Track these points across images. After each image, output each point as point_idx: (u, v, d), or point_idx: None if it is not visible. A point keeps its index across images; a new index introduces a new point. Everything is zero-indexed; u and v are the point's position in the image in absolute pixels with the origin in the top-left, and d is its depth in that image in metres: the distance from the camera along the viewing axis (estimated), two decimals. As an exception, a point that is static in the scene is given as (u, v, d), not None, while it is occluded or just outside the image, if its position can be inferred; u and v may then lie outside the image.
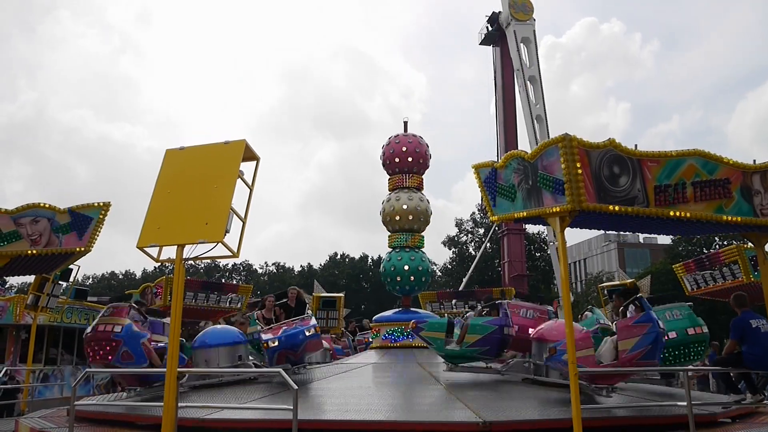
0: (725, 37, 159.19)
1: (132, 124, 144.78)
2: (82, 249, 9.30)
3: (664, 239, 66.04)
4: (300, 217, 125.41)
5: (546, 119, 49.73)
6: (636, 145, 6.65)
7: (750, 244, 8.09)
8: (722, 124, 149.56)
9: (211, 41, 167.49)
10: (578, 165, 6.20)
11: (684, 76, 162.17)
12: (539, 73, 50.91)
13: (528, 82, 50.33)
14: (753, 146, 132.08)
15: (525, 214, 7.04)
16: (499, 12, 53.28)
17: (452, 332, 10.11)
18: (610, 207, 6.35)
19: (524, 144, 50.42)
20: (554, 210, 6.45)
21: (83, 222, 9.26)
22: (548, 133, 48.39)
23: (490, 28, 55.09)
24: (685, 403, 6.65)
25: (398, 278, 15.29)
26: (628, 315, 8.34)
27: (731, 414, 8.53)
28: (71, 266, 15.19)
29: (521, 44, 51.15)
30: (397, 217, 15.35)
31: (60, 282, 15.92)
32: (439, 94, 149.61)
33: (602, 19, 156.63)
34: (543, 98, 50.41)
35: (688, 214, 6.63)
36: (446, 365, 9.92)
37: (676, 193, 6.62)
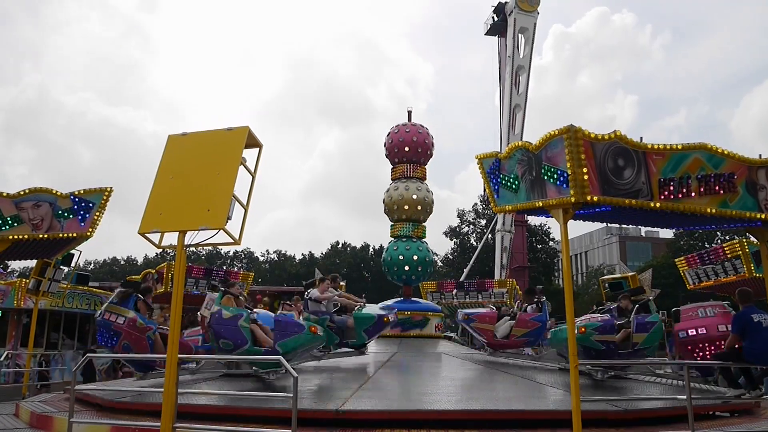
0: (735, 32, 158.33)
1: (136, 109, 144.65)
2: (84, 234, 9.29)
3: (666, 233, 66.09)
4: (302, 205, 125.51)
5: (525, 110, 50.00)
6: (641, 138, 6.60)
7: (753, 238, 8.04)
8: (728, 119, 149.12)
9: (217, 27, 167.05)
10: (583, 157, 6.16)
11: (693, 70, 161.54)
12: (529, 64, 51.07)
13: (516, 71, 50.45)
14: (756, 142, 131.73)
15: (528, 205, 7.00)
16: (506, 2, 53.08)
17: None
18: (615, 199, 6.32)
19: (527, 135, 50.44)
20: (558, 202, 6.42)
21: (85, 207, 9.25)
22: (524, 123, 49.06)
23: (495, 19, 54.85)
24: (684, 396, 6.64)
25: (400, 268, 15.30)
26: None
27: (730, 408, 8.54)
28: (73, 251, 15.18)
29: (519, 33, 51.19)
30: (398, 207, 15.35)
31: (62, 267, 15.91)
32: (445, 83, 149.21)
33: (614, 9, 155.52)
34: (527, 89, 50.66)
35: (692, 208, 6.59)
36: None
37: (680, 186, 6.58)
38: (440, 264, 64.25)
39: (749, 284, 12.45)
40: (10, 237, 8.91)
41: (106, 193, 9.46)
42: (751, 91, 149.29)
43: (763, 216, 7.00)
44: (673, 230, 45.74)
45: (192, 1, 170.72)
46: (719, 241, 44.19)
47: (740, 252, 14.41)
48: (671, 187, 6.53)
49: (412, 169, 15.59)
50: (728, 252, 14.89)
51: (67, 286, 18.55)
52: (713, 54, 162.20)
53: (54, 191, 9.29)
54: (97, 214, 9.34)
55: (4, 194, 9.05)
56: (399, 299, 15.54)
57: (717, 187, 6.71)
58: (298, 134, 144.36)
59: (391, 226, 15.77)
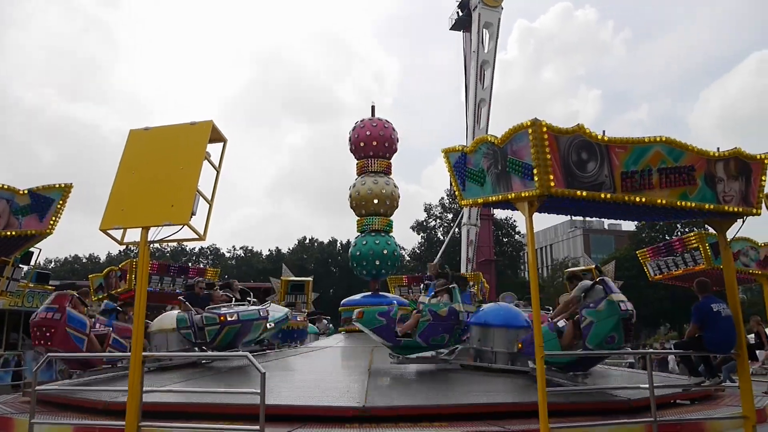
0: (694, 28, 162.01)
1: (98, 105, 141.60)
2: (44, 231, 9.07)
3: (629, 226, 67.43)
4: (269, 201, 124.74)
5: (490, 104, 50.59)
6: (604, 132, 6.70)
7: (711, 230, 8.23)
8: (687, 113, 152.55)
9: (182, 22, 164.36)
10: (547, 150, 6.22)
11: (654, 65, 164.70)
12: (494, 59, 51.63)
13: (480, 66, 50.93)
14: (715, 136, 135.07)
15: (494, 198, 7.05)
16: (471, -3, 53.40)
17: None
18: (578, 192, 6.40)
19: (492, 129, 50.95)
20: (523, 195, 6.48)
21: (44, 204, 9.03)
22: (489, 117, 49.69)
23: (460, 14, 55.16)
24: (647, 386, 6.78)
25: (366, 262, 15.30)
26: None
27: (691, 396, 8.76)
28: (32, 249, 14.83)
29: (483, 29, 51.62)
30: (364, 202, 15.34)
31: (21, 265, 15.53)
32: (411, 79, 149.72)
33: (576, 5, 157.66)
34: (492, 84, 51.31)
35: (653, 200, 6.71)
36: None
37: (642, 179, 6.69)
38: (408, 258, 64.50)
39: (708, 275, 12.77)
40: (-34, 235, 8.64)
41: (66, 190, 9.25)
42: (709, 86, 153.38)
43: (721, 208, 7.16)
44: (635, 223, 46.71)
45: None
46: (680, 233, 45.24)
47: (699, 243, 14.76)
48: (633, 180, 6.64)
49: (377, 164, 15.59)
50: (687, 243, 15.23)
51: (27, 285, 18.12)
52: (673, 49, 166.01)
53: (11, 188, 9.04)
54: (58, 210, 9.12)
55: (-42, 191, 8.78)
56: (366, 294, 15.55)
57: (677, 180, 6.85)
58: (264, 130, 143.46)
59: (357, 220, 15.75)
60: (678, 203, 6.84)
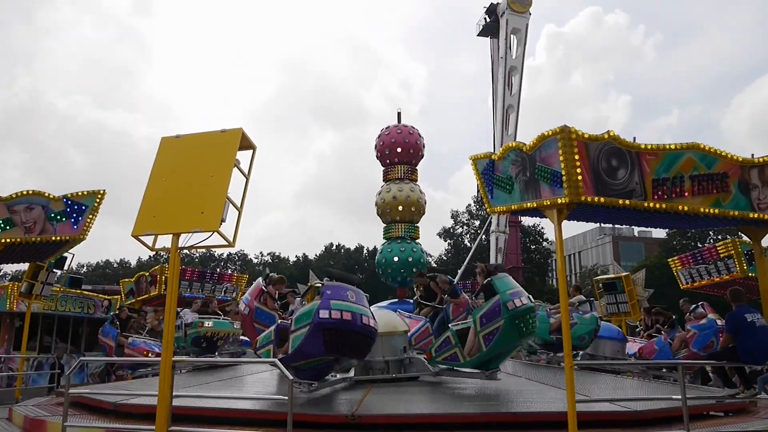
0: (726, 32, 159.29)
1: (129, 112, 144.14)
2: (77, 237, 9.24)
3: (659, 233, 66.38)
4: (296, 207, 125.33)
5: (518, 111, 50.24)
6: (634, 138, 6.62)
7: (746, 238, 8.07)
8: (720, 119, 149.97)
9: (211, 31, 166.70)
10: (576, 157, 6.17)
11: (685, 70, 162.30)
12: (522, 65, 51.29)
13: (508, 72, 50.70)
14: (748, 141, 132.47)
15: (522, 206, 7.01)
16: (498, 3, 53.25)
17: None
18: (608, 200, 6.33)
19: (521, 136, 50.65)
20: (552, 202, 6.43)
21: (78, 210, 9.20)
22: (517, 124, 49.38)
23: (487, 20, 54.99)
24: (679, 397, 6.65)
25: (391, 269, 15.31)
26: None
27: (725, 408, 8.57)
28: (66, 254, 15.11)
29: (511, 34, 51.39)
30: (389, 209, 15.37)
31: (54, 270, 15.83)
32: (438, 85, 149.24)
33: (607, 9, 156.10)
34: (520, 90, 50.92)
35: (685, 208, 6.61)
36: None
37: (674, 186, 6.60)
38: (434, 265, 64.28)
39: (742, 284, 12.51)
40: (3, 240, 8.84)
41: (99, 196, 9.41)
42: (743, 91, 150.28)
43: (755, 215, 7.02)
44: (666, 230, 45.98)
45: (186, 5, 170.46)
46: (712, 241, 44.40)
47: (733, 251, 14.49)
48: (665, 187, 6.55)
49: (404, 171, 15.58)
50: (721, 251, 14.96)
51: (60, 289, 18.46)
52: (705, 54, 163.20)
53: (47, 194, 9.23)
54: (90, 216, 9.29)
55: (-3, 197, 9.00)
56: (393, 300, 15.54)
57: (710, 187, 6.74)
58: (291, 137, 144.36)
59: (384, 227, 15.76)
60: (711, 211, 6.73)
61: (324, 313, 6.86)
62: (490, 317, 7.70)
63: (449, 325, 8.76)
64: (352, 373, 8.78)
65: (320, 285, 8.29)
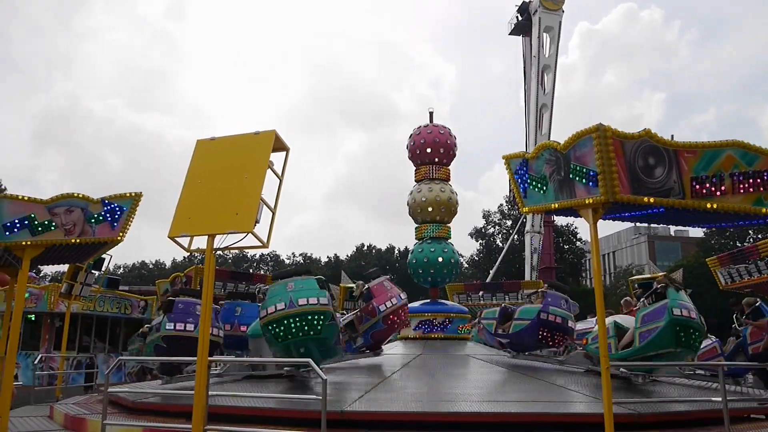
0: (764, 27, 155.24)
1: (163, 115, 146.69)
2: (115, 239, 9.40)
3: (696, 232, 64.99)
4: (327, 207, 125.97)
5: (552, 110, 49.68)
6: (672, 136, 6.48)
7: (789, 237, 7.85)
8: (758, 116, 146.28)
9: (242, 33, 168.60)
10: (612, 156, 6.06)
11: (721, 66, 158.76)
12: (555, 63, 50.72)
13: (541, 71, 50.19)
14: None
15: (557, 205, 6.92)
16: (530, 1, 52.83)
17: None
18: (645, 199, 6.21)
19: (554, 135, 50.14)
20: (587, 201, 6.33)
21: (116, 212, 9.35)
22: (551, 123, 48.83)
23: (519, 18, 54.62)
24: (720, 399, 6.51)
25: (422, 270, 15.25)
26: None
27: (767, 411, 8.36)
28: (104, 255, 15.41)
29: (544, 33, 50.91)
30: (420, 209, 15.30)
31: (93, 271, 16.18)
32: (468, 84, 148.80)
33: (641, 5, 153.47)
34: (554, 89, 50.36)
35: (726, 207, 6.45)
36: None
37: (713, 184, 6.44)
38: (466, 265, 63.94)
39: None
40: (44, 242, 9.05)
41: (137, 198, 9.56)
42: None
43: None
44: (704, 229, 44.95)
45: (218, 8, 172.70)
46: (751, 240, 43.32)
47: (775, 250, 14.09)
48: (704, 186, 6.40)
49: (435, 170, 15.53)
50: (762, 251, 14.57)
51: (98, 290, 18.86)
52: (741, 50, 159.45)
53: (86, 197, 9.40)
54: (128, 218, 9.45)
55: (38, 200, 9.20)
56: (425, 301, 15.50)
57: (751, 185, 6.56)
58: (322, 138, 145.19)
59: (416, 228, 15.73)
60: (752, 209, 6.55)
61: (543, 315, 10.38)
62: (653, 317, 8.44)
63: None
64: None
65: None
